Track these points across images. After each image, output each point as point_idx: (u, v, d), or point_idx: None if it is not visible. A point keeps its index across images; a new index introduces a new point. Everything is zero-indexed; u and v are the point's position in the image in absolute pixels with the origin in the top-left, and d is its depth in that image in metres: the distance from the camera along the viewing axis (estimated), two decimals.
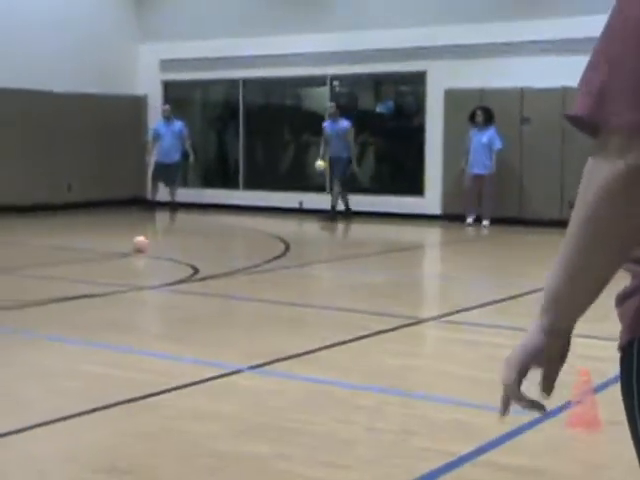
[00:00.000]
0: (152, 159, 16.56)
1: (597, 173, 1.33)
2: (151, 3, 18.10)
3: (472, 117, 14.44)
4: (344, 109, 15.89)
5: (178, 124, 16.32)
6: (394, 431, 4.25)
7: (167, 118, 16.41)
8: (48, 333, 6.36)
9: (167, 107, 16.62)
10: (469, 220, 14.48)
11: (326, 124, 15.36)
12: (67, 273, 9.34)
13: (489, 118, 14.28)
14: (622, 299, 1.50)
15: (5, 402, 4.74)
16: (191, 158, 16.37)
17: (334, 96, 16.73)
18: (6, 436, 4.13)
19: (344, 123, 15.20)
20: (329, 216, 15.03)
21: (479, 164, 14.33)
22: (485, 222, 14.38)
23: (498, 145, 14.17)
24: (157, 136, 16.38)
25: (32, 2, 16.29)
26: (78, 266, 9.99)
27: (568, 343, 1.57)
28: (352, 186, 15.58)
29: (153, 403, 4.68)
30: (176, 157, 16.28)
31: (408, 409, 4.68)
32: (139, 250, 10.81)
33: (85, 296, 7.76)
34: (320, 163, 15.21)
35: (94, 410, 4.51)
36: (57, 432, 4.26)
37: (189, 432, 4.21)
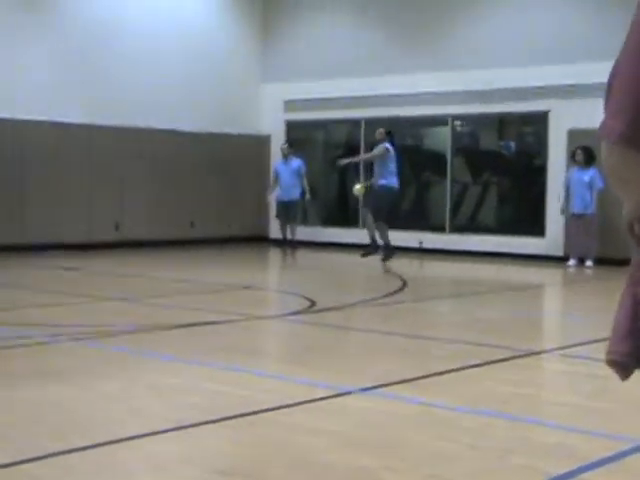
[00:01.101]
0: (270, 197, 17.13)
1: None
2: (275, 44, 18.77)
3: (573, 156, 14.51)
4: (463, 149, 16.14)
5: (296, 162, 16.82)
6: (496, 449, 4.46)
7: (285, 156, 16.94)
8: (172, 355, 6.81)
9: (285, 146, 17.13)
10: (570, 262, 14.46)
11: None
12: (190, 303, 9.87)
13: (590, 157, 14.27)
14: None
15: (132, 412, 5.15)
16: (307, 196, 16.81)
17: (456, 136, 16.97)
18: (132, 439, 4.54)
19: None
20: (369, 251, 14.91)
21: (580, 204, 14.33)
22: (588, 262, 14.32)
23: (600, 184, 14.11)
24: (277, 174, 16.95)
25: (158, 42, 17.13)
26: (201, 297, 10.51)
27: None
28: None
29: (268, 418, 5.01)
30: (295, 195, 16.78)
31: (512, 431, 4.86)
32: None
33: (207, 323, 8.23)
34: (358, 187, 15.17)
35: (213, 421, 4.88)
36: (178, 439, 4.62)
37: (300, 444, 4.51)
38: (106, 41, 16.37)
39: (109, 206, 16.40)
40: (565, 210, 14.66)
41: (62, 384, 5.74)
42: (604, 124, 1.77)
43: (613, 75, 1.77)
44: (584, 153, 14.36)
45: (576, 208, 14.46)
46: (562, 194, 14.80)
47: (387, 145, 14.55)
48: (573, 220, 14.55)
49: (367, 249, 14.84)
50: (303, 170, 16.81)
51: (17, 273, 12.82)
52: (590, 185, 14.30)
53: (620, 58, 1.75)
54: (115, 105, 16.32)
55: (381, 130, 15.05)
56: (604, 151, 1.81)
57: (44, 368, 6.26)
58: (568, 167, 14.88)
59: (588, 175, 14.31)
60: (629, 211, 1.83)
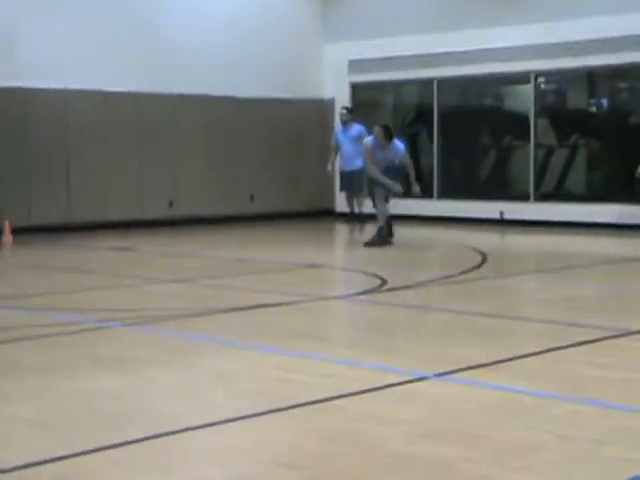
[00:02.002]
0: (330, 168, 16.94)
1: None
2: (337, 1, 18.71)
3: None
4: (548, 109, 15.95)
5: (356, 128, 16.54)
6: (586, 439, 4.44)
7: (344, 122, 16.66)
8: (231, 339, 6.90)
9: (344, 111, 16.75)
10: None
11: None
12: (251, 283, 9.96)
13: None
14: None
15: (191, 402, 5.24)
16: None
17: (539, 94, 16.77)
18: (193, 430, 4.62)
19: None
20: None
21: None
22: None
23: None
24: (337, 143, 16.75)
25: (215, 6, 17.23)
26: (262, 277, 10.58)
27: None
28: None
29: (335, 406, 5.04)
30: (357, 164, 16.43)
31: (605, 419, 4.82)
32: None
33: (269, 305, 8.30)
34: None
35: (276, 410, 4.94)
36: (239, 429, 4.69)
37: (370, 434, 4.54)
38: (156, 4, 16.50)
39: (161, 181, 16.59)
40: None
41: (118, 372, 5.85)
42: None
43: None
44: None
45: None
46: None
47: None
48: None
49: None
50: (364, 136, 16.61)
51: (66, 255, 13.07)
52: None
53: None
54: (166, 71, 16.47)
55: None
56: None
57: (98, 355, 6.40)
58: None
59: None
60: None
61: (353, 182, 16.58)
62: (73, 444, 4.40)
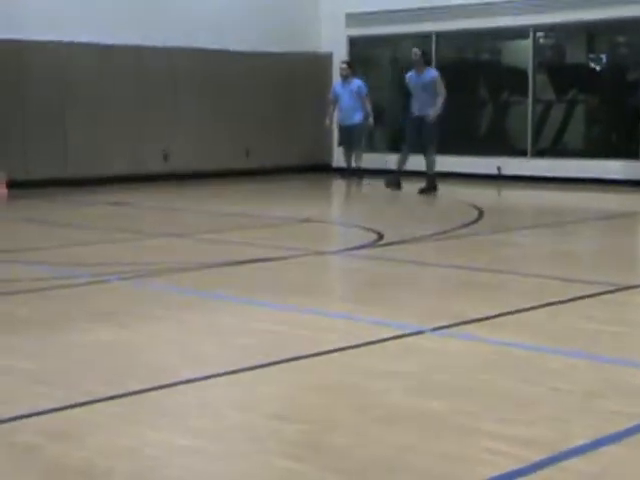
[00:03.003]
0: (328, 122, 16.96)
1: None
2: None
3: None
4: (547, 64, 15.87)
5: (356, 83, 16.54)
6: (581, 392, 4.46)
7: (344, 77, 16.67)
8: (226, 293, 6.91)
9: (344, 65, 16.80)
10: None
11: (410, 75, 15.13)
12: (246, 238, 9.94)
13: None
14: None
15: (183, 355, 5.24)
16: (370, 120, 16.59)
17: (537, 49, 16.70)
18: (185, 384, 4.64)
19: (431, 73, 14.95)
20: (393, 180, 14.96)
21: None
22: None
23: None
24: (336, 97, 16.76)
25: None
26: (258, 231, 10.59)
27: None
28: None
29: (330, 360, 5.06)
30: (356, 119, 16.50)
31: (599, 373, 4.84)
32: None
33: (264, 259, 8.30)
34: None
35: (271, 364, 4.95)
36: (235, 382, 4.70)
37: (364, 387, 4.55)
38: None
39: (157, 134, 16.53)
40: None
41: (113, 326, 5.86)
42: None
43: None
44: None
45: None
46: None
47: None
48: None
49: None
50: (364, 91, 16.57)
51: (61, 209, 13.06)
52: None
53: None
54: (162, 25, 16.39)
55: (417, 50, 14.94)
56: None
57: (94, 310, 6.40)
58: None
59: None
60: None
61: (352, 137, 16.57)
62: (68, 396, 4.41)
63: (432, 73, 14.86)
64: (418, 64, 14.80)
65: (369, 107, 16.50)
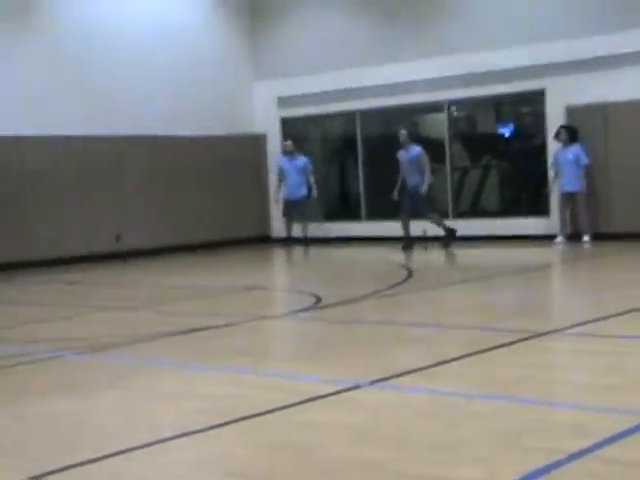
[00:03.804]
0: (280, 196, 17.10)
1: None
2: (264, 41, 18.77)
3: (556, 136, 14.72)
4: (461, 134, 16.16)
5: (302, 160, 16.80)
6: (508, 433, 4.48)
7: (290, 154, 16.91)
8: (179, 361, 6.84)
9: (289, 143, 17.08)
10: (557, 240, 14.63)
11: (400, 153, 15.50)
12: (195, 308, 9.90)
13: (573, 135, 14.55)
14: None
15: (140, 422, 5.18)
16: (314, 193, 16.79)
17: (452, 121, 16.99)
18: (140, 449, 4.56)
19: (416, 150, 15.32)
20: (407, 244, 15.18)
21: (568, 182, 14.54)
22: (585, 237, 14.50)
23: (585, 161, 14.44)
24: (282, 173, 16.91)
25: (148, 49, 17.16)
26: (205, 301, 10.52)
27: None
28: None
29: (279, 417, 5.01)
30: (302, 192, 16.74)
31: (524, 414, 4.88)
32: None
33: (213, 327, 8.25)
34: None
35: (224, 424, 4.89)
36: (189, 445, 4.63)
37: (311, 441, 4.52)
38: (97, 52, 16.41)
39: (110, 216, 16.43)
40: (552, 187, 15.07)
41: (70, 398, 5.77)
42: None
43: None
44: (567, 132, 14.62)
45: (564, 187, 14.69)
46: (551, 173, 14.99)
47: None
48: (562, 198, 14.77)
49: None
50: (309, 167, 16.80)
51: (20, 289, 12.87)
52: (575, 162, 14.51)
53: None
54: (109, 114, 16.39)
55: (404, 132, 15.34)
56: None
57: (52, 383, 6.30)
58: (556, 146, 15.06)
59: (572, 153, 14.52)
60: None
61: (296, 209, 16.71)
62: (26, 468, 4.31)
63: (417, 149, 15.32)
64: (405, 143, 15.27)
65: (313, 181, 16.69)
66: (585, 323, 7.54)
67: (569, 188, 14.69)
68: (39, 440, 4.86)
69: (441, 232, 15.16)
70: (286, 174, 16.80)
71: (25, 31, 15.62)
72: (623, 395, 5.15)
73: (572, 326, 7.52)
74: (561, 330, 7.47)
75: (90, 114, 16.13)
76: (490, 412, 4.92)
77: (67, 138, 15.81)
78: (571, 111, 15.15)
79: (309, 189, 16.77)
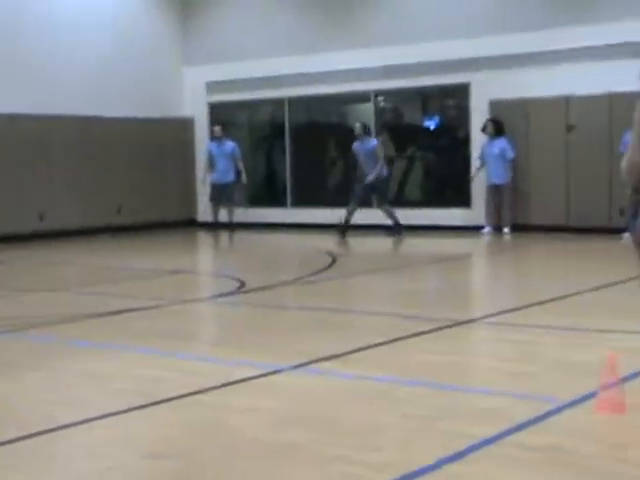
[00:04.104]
0: (207, 180, 17.01)
1: None
2: (194, 26, 18.63)
3: (483, 129, 14.93)
4: (387, 124, 16.29)
5: (230, 145, 16.75)
6: (424, 417, 4.54)
7: (219, 139, 16.85)
8: (102, 342, 6.77)
9: (218, 128, 17.00)
10: (485, 230, 14.90)
11: (356, 145, 15.54)
12: (119, 289, 9.79)
13: (499, 129, 14.79)
14: None
15: (63, 401, 5.12)
16: (243, 178, 16.75)
17: (378, 111, 17.07)
18: (64, 429, 4.51)
19: (372, 142, 15.43)
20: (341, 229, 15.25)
21: (495, 174, 14.79)
22: (506, 230, 14.76)
23: (510, 155, 14.70)
24: (211, 157, 16.86)
25: (80, 29, 16.90)
26: (129, 283, 10.42)
27: None
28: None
29: (199, 400, 5.00)
30: (230, 177, 16.73)
31: (442, 399, 4.95)
32: None
33: (136, 309, 8.18)
34: None
35: (144, 406, 4.87)
36: (110, 425, 4.60)
37: (231, 424, 4.53)
38: (27, 29, 16.09)
39: (34, 195, 16.14)
40: (473, 179, 15.31)
41: None
42: None
43: None
44: (493, 125, 14.82)
45: (490, 179, 14.91)
46: (476, 164, 15.20)
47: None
48: (489, 190, 14.99)
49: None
50: (238, 152, 16.75)
51: None
52: (501, 156, 14.74)
53: None
54: (39, 93, 16.11)
55: (358, 125, 15.38)
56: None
57: None
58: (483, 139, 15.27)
59: (498, 147, 14.75)
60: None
61: (223, 194, 16.65)
62: None
63: (373, 142, 15.37)
64: (360, 136, 15.25)
65: (241, 166, 16.65)
66: (503, 312, 7.66)
67: (496, 180, 14.91)
68: None
69: (389, 222, 15.27)
70: (215, 159, 16.74)
71: None
72: (537, 382, 5.26)
73: (491, 315, 7.66)
74: (480, 319, 7.61)
75: (18, 92, 15.82)
76: (409, 397, 4.98)
77: None
78: (494, 105, 15.35)
79: (237, 174, 16.71)
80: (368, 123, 16.15)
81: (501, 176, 14.85)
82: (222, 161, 16.66)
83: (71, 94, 16.59)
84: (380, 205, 15.38)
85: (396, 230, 15.16)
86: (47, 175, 16.33)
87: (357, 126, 15.40)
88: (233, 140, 16.98)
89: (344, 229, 15.20)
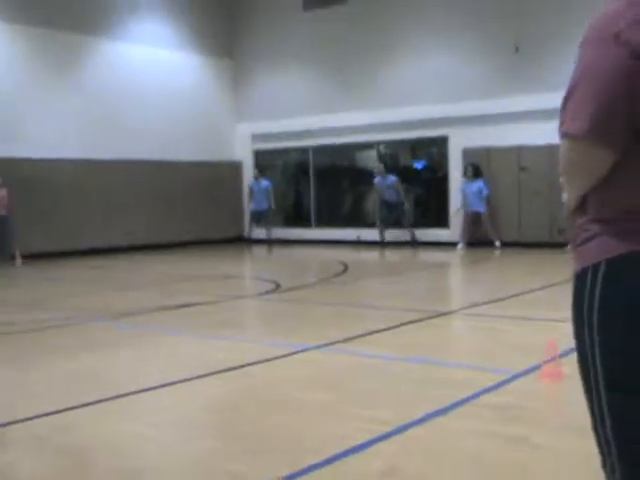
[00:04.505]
0: (250, 207, 17.36)
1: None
2: (243, 93, 18.75)
3: (465, 172, 14.86)
4: (385, 166, 16.35)
5: (265, 182, 17.16)
6: (414, 385, 4.58)
7: (256, 178, 17.25)
8: (176, 328, 6.83)
9: (256, 171, 17.56)
10: (459, 246, 14.82)
11: (377, 180, 15.68)
12: (187, 289, 9.85)
13: (477, 172, 14.71)
14: (582, 244, 1.66)
15: (147, 370, 5.19)
16: (272, 206, 17.13)
17: (381, 157, 17.10)
18: (145, 391, 4.57)
19: (392, 178, 15.64)
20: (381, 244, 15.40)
21: (474, 205, 14.74)
22: (497, 243, 14.66)
23: (485, 192, 14.66)
24: (251, 191, 17.25)
25: (157, 96, 17.02)
26: (194, 284, 10.46)
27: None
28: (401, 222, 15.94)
29: (247, 371, 5.05)
30: (265, 206, 17.13)
31: (426, 372, 4.97)
32: None
33: (201, 304, 8.24)
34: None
35: (205, 376, 4.93)
36: (179, 390, 4.66)
37: (272, 387, 4.58)
38: (117, 101, 16.22)
39: (121, 219, 16.28)
40: (461, 210, 15.04)
41: (92, 353, 5.75)
42: (567, 125, 1.63)
43: (567, 98, 1.65)
44: (472, 169, 14.77)
45: (470, 207, 14.85)
46: (460, 200, 15.12)
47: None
48: (468, 216, 14.91)
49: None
50: (270, 188, 17.14)
51: (55, 272, 12.70)
52: (479, 192, 14.67)
53: (573, 83, 1.63)
54: (123, 144, 16.24)
55: (380, 165, 15.83)
56: (564, 147, 1.67)
57: (76, 342, 6.27)
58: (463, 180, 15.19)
59: (476, 186, 14.70)
60: (569, 201, 1.70)
61: (260, 218, 17.08)
62: (60, 402, 4.32)
63: (393, 178, 15.71)
64: (381, 173, 15.67)
65: (272, 198, 16.95)
66: (474, 306, 7.66)
67: (475, 209, 14.76)
68: (64, 384, 4.84)
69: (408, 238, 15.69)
70: (254, 193, 17.15)
71: (68, 83, 15.44)
72: (498, 358, 5.28)
73: (465, 307, 7.67)
74: (457, 310, 7.62)
75: (108, 143, 15.98)
76: (403, 370, 5.01)
77: (89, 161, 15.66)
78: (466, 152, 15.37)
79: (270, 204, 17.06)
80: (385, 164, 16.26)
81: (479, 206, 14.76)
82: (259, 194, 17.11)
83: (148, 144, 16.71)
84: (404, 225, 15.67)
85: (413, 243, 15.54)
86: (130, 204, 16.47)
87: (379, 166, 15.81)
88: (268, 179, 17.27)
89: (383, 246, 15.47)
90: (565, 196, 1.73)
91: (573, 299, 1.66)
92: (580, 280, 1.64)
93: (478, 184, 14.70)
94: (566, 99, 1.66)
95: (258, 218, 17.27)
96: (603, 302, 1.58)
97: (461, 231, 15.11)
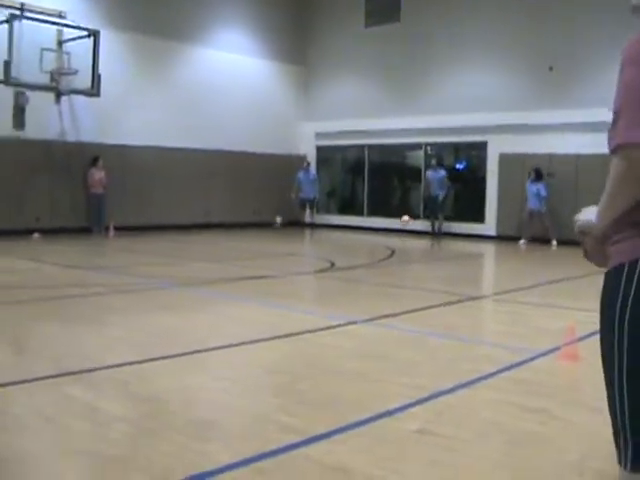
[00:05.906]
0: (294, 195, 17.25)
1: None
2: (310, 96, 18.76)
3: (529, 175, 14.42)
4: (431, 165, 16.16)
5: (312, 173, 17.32)
6: (449, 359, 4.54)
7: (305, 169, 17.22)
8: (243, 296, 6.90)
9: (306, 163, 17.56)
10: (521, 242, 14.35)
11: (429, 173, 15.68)
12: (254, 264, 9.93)
13: (538, 175, 14.23)
14: (618, 242, 1.60)
15: (215, 332, 5.27)
16: (317, 195, 17.34)
17: (427, 157, 16.91)
18: (215, 349, 4.65)
19: (442, 172, 15.54)
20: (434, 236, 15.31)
21: (533, 204, 14.25)
22: (554, 242, 13.94)
23: (543, 194, 14.10)
24: (299, 181, 17.18)
25: (236, 96, 17.15)
26: (260, 260, 10.54)
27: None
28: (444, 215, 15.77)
29: (303, 338, 5.08)
30: (312, 194, 17.16)
31: (460, 348, 4.91)
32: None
33: (265, 277, 8.32)
34: (405, 218, 15.24)
35: (266, 339, 4.98)
36: (243, 350, 4.72)
37: (324, 355, 4.59)
38: (203, 97, 16.44)
39: (201, 199, 16.52)
40: (524, 209, 14.50)
41: (170, 315, 5.86)
42: (622, 136, 1.51)
43: (617, 115, 1.56)
44: (535, 172, 14.28)
45: (531, 206, 14.29)
46: (526, 201, 14.60)
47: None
48: (529, 214, 14.38)
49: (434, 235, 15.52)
50: (316, 179, 17.34)
51: (143, 243, 12.97)
52: (538, 194, 14.19)
53: (618, 103, 1.56)
54: (209, 135, 16.46)
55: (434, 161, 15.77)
56: (616, 160, 1.54)
57: (158, 304, 6.37)
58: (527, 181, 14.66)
59: (536, 187, 14.21)
60: (603, 225, 1.59)
61: (310, 204, 17.11)
62: (141, 352, 4.42)
63: (442, 172, 15.58)
64: (434, 167, 15.62)
65: (317, 188, 17.19)
66: (503, 292, 7.55)
67: (532, 207, 14.21)
68: (150, 337, 4.95)
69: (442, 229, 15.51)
70: (302, 183, 17.15)
71: (161, 84, 15.70)
72: (521, 339, 5.19)
73: (495, 294, 7.56)
74: (488, 296, 7.51)
75: (196, 135, 16.22)
76: (437, 345, 4.97)
77: (179, 150, 15.91)
78: (502, 157, 15.08)
79: (315, 193, 17.27)
80: (440, 160, 16.12)
81: (535, 205, 14.23)
82: (307, 184, 17.12)
83: (227, 137, 16.87)
84: (440, 216, 15.52)
85: (439, 233, 15.25)
86: (209, 187, 16.68)
87: (433, 162, 15.82)
88: (319, 171, 17.35)
89: (434, 235, 15.44)
90: (588, 219, 1.66)
91: (605, 291, 1.63)
92: (616, 274, 1.60)
93: (538, 186, 14.27)
94: (616, 117, 1.58)
95: (305, 205, 17.26)
96: (638, 297, 1.55)
97: (523, 227, 14.69)
